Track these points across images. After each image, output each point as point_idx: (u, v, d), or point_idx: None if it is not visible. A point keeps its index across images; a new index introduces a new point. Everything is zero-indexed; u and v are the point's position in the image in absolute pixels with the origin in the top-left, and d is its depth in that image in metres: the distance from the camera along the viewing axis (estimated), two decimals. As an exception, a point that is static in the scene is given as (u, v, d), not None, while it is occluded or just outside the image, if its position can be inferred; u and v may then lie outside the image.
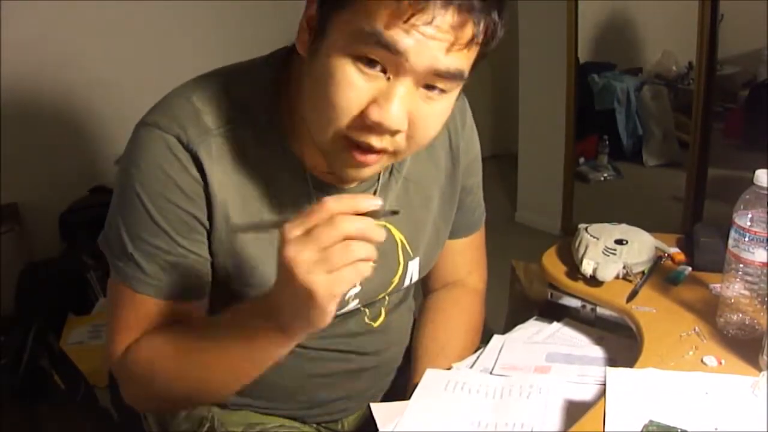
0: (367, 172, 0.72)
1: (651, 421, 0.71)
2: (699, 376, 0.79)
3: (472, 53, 0.66)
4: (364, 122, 0.65)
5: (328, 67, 0.64)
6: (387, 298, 0.95)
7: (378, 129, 0.65)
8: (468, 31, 0.63)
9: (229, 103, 0.76)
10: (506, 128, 3.88)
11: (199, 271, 0.77)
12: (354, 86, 0.64)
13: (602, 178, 3.73)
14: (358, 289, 0.87)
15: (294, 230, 0.60)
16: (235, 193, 0.76)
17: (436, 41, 0.62)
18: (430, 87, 0.66)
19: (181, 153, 0.73)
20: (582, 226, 1.12)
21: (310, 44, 0.68)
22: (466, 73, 0.67)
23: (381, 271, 0.88)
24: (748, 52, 3.55)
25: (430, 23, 0.61)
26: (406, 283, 0.93)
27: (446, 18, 0.61)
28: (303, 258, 0.59)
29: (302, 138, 0.77)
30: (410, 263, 0.92)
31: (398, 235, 0.89)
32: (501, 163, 3.87)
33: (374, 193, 0.85)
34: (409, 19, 0.60)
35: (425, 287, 1.07)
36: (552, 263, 1.11)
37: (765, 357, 0.80)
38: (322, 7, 0.66)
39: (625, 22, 3.77)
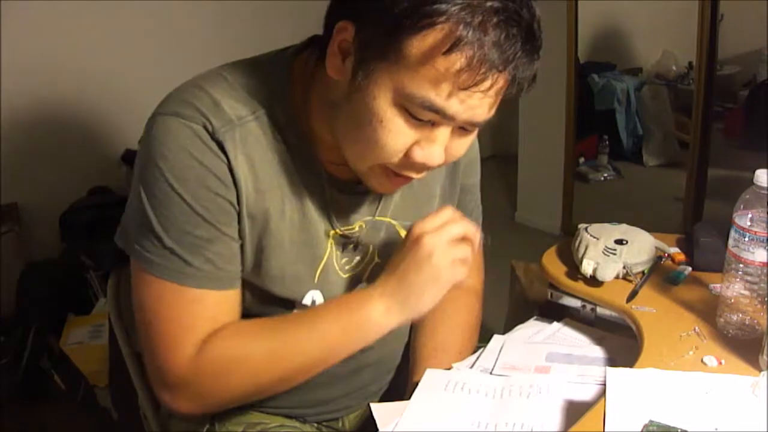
0: (397, 189, 0.79)
1: (651, 421, 0.71)
2: (699, 376, 0.79)
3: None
4: (407, 161, 0.70)
5: (375, 111, 0.67)
6: None
7: (420, 167, 0.72)
8: (511, 90, 0.67)
9: (246, 96, 0.76)
10: (506, 128, 3.88)
11: (239, 256, 0.78)
12: (402, 134, 0.68)
13: (602, 178, 3.73)
14: (364, 285, 0.88)
15: (428, 224, 0.76)
16: (258, 181, 0.76)
17: (482, 101, 0.66)
18: (465, 129, 0.72)
19: (209, 141, 0.72)
20: (582, 226, 1.12)
21: (351, 75, 0.68)
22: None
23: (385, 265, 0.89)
24: (748, 52, 3.55)
25: (481, 90, 0.64)
26: None
27: (497, 83, 0.65)
28: (439, 245, 0.75)
29: (317, 136, 0.79)
30: None
31: (403, 232, 0.90)
32: (501, 163, 3.87)
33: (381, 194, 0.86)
34: (463, 87, 0.63)
35: None
36: (552, 263, 1.11)
37: (765, 357, 0.80)
38: (364, 45, 0.66)
39: (625, 22, 3.77)
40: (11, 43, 2.24)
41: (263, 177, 0.76)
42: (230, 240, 0.75)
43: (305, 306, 0.84)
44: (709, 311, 0.93)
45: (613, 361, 0.93)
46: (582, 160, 3.70)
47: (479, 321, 1.04)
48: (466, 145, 0.75)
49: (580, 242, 1.08)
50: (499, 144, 4.13)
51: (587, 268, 1.02)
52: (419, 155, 0.69)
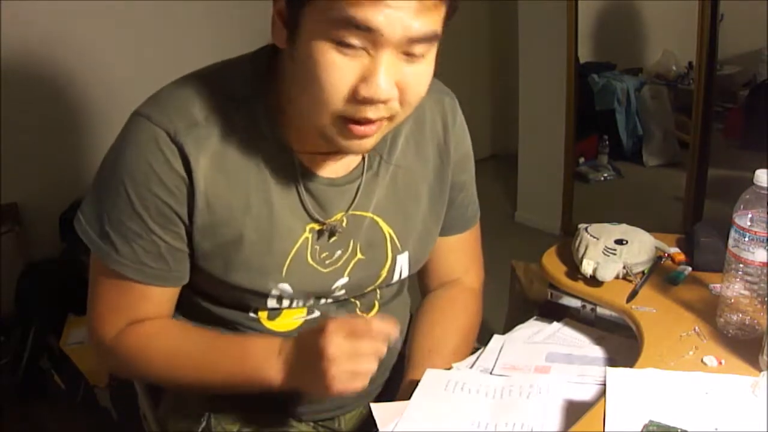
0: (369, 142, 0.76)
1: (651, 421, 0.71)
2: (699, 376, 0.79)
3: (440, 11, 0.69)
4: (356, 99, 0.69)
5: (311, 53, 0.68)
6: (378, 291, 0.96)
7: (370, 102, 0.69)
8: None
9: (218, 95, 0.79)
10: (506, 128, 3.88)
11: (170, 259, 0.82)
12: (339, 68, 0.67)
13: (602, 178, 3.72)
14: (345, 280, 0.89)
15: (339, 334, 0.74)
16: (222, 180, 0.79)
17: (403, 10, 0.65)
18: (409, 53, 0.69)
19: (167, 147, 0.76)
20: (582, 226, 1.12)
21: (288, 36, 0.71)
22: (440, 32, 0.70)
23: (369, 263, 0.90)
24: (748, 52, 3.55)
25: None
26: (396, 277, 0.94)
27: None
28: (341, 368, 0.73)
29: (290, 129, 0.81)
30: (399, 257, 0.92)
31: (387, 229, 0.90)
32: (501, 163, 3.87)
33: (359, 185, 0.87)
34: None
35: (422, 287, 1.07)
36: (552, 263, 1.11)
37: (765, 357, 0.80)
38: (291, 1, 0.69)
39: (625, 22, 3.77)
40: (11, 42, 2.24)
41: (229, 174, 0.79)
42: (159, 240, 0.80)
43: (275, 297, 0.86)
44: (709, 311, 0.93)
45: (613, 361, 0.93)
46: (582, 160, 3.70)
47: (478, 321, 1.04)
48: (421, 76, 0.72)
49: (580, 242, 1.08)
50: (499, 144, 4.13)
51: (587, 268, 1.02)
52: (364, 89, 0.68)
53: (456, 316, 1.00)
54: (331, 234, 0.86)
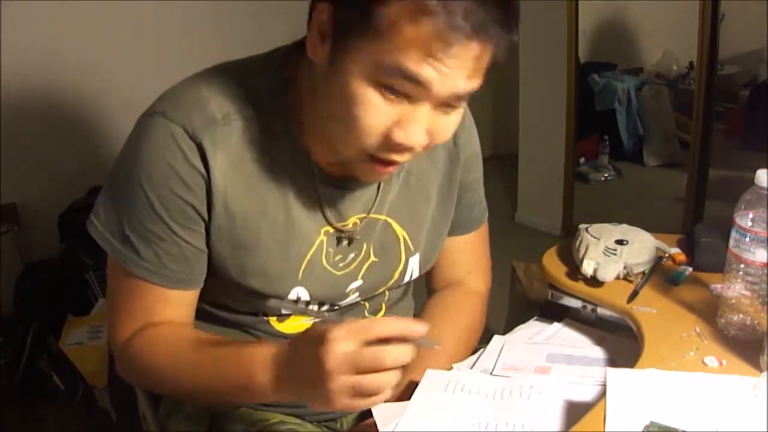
0: (385, 177, 0.76)
1: (652, 422, 0.71)
2: (700, 376, 0.79)
3: (486, 67, 0.68)
4: (388, 142, 0.69)
5: (352, 90, 0.66)
6: (387, 293, 0.96)
7: (401, 148, 0.69)
8: (487, 57, 0.66)
9: (236, 94, 0.77)
10: (506, 128, 3.87)
11: (192, 261, 0.80)
12: (379, 111, 0.67)
13: (603, 179, 3.72)
14: (359, 283, 0.88)
15: (339, 343, 0.63)
16: (239, 180, 0.77)
17: (457, 71, 0.65)
18: (448, 105, 0.69)
19: (185, 143, 0.74)
20: (582, 226, 1.12)
21: (328, 56, 0.69)
22: (479, 87, 0.70)
23: (382, 266, 0.89)
24: (749, 52, 3.55)
25: (455, 57, 0.63)
26: (407, 278, 0.94)
27: (469, 50, 0.64)
28: (340, 382, 0.63)
29: (309, 134, 0.79)
30: (411, 259, 0.92)
31: (400, 231, 0.90)
32: (501, 163, 3.86)
33: (377, 190, 0.86)
34: (434, 54, 0.63)
35: (428, 287, 1.07)
36: (552, 263, 1.11)
37: (766, 357, 0.80)
38: (339, 25, 0.67)
39: (625, 22, 3.77)
40: (12, 42, 2.24)
41: (246, 175, 0.78)
42: (182, 242, 0.78)
43: (291, 301, 0.85)
44: (709, 312, 0.93)
45: (613, 362, 0.93)
46: (582, 160, 3.70)
47: (481, 325, 1.03)
48: (452, 125, 0.73)
49: (580, 242, 1.08)
50: (499, 144, 4.13)
51: (588, 268, 1.02)
52: (400, 136, 0.67)
53: (458, 318, 0.99)
54: (349, 240, 0.86)
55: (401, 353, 0.63)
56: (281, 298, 0.84)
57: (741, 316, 0.87)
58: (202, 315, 0.90)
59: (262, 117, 0.78)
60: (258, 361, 0.73)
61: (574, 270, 1.06)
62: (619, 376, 0.79)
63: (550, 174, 3.26)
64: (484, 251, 1.07)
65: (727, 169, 2.99)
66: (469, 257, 1.05)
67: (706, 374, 0.80)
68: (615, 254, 1.03)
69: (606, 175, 3.74)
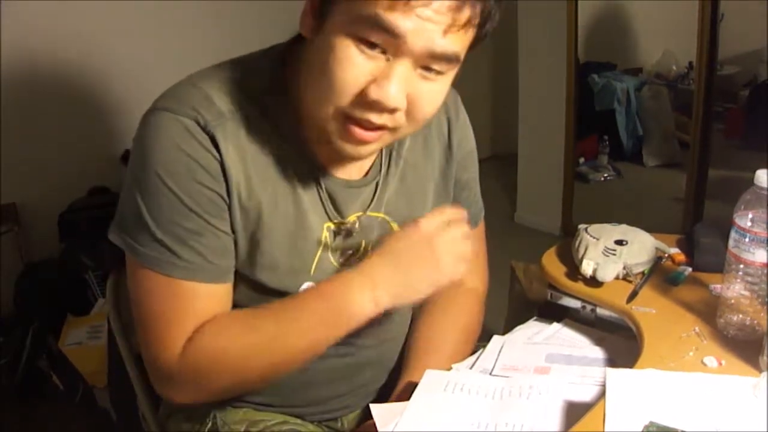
0: (367, 149, 0.74)
1: (651, 422, 0.71)
2: (699, 377, 0.79)
3: (468, 36, 0.68)
4: (363, 100, 0.68)
5: (330, 45, 0.67)
6: None
7: (377, 107, 0.68)
8: (465, 14, 0.66)
9: (238, 90, 0.77)
10: (506, 128, 3.87)
11: (230, 250, 0.78)
12: (354, 64, 0.67)
13: (602, 179, 3.72)
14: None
15: (432, 221, 0.77)
16: (251, 174, 0.77)
17: (433, 23, 0.64)
18: (427, 68, 0.69)
19: (200, 134, 0.73)
20: (582, 226, 1.12)
21: (314, 27, 0.70)
22: (462, 56, 0.70)
23: None
24: (749, 52, 3.54)
25: (428, 6, 0.63)
26: None
27: (444, 1, 0.64)
28: (442, 234, 0.77)
29: (309, 128, 0.79)
30: None
31: (396, 228, 0.90)
32: (501, 163, 3.86)
33: (376, 186, 0.87)
34: (408, 2, 0.63)
35: None
36: (552, 264, 1.11)
37: (765, 358, 0.80)
38: None
39: (625, 22, 3.77)
40: (11, 42, 2.24)
41: (256, 169, 0.77)
42: (220, 232, 0.76)
43: None
44: (709, 312, 0.93)
45: (613, 362, 0.93)
46: (582, 160, 3.70)
47: (479, 324, 1.03)
48: (434, 96, 0.72)
49: (580, 243, 1.08)
50: (499, 144, 4.13)
51: (587, 268, 1.02)
52: (374, 92, 0.67)
53: (456, 318, 0.99)
54: (348, 235, 0.86)
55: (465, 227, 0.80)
56: (291, 293, 0.82)
57: (740, 316, 0.87)
58: None
59: (263, 113, 0.78)
60: (346, 281, 0.76)
61: (574, 270, 1.06)
62: (618, 376, 0.79)
63: (550, 174, 3.26)
64: (482, 251, 1.06)
65: (727, 169, 2.99)
66: None
67: (705, 374, 0.80)
68: (614, 254, 1.03)
69: (606, 175, 3.74)
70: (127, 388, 1.06)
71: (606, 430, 0.71)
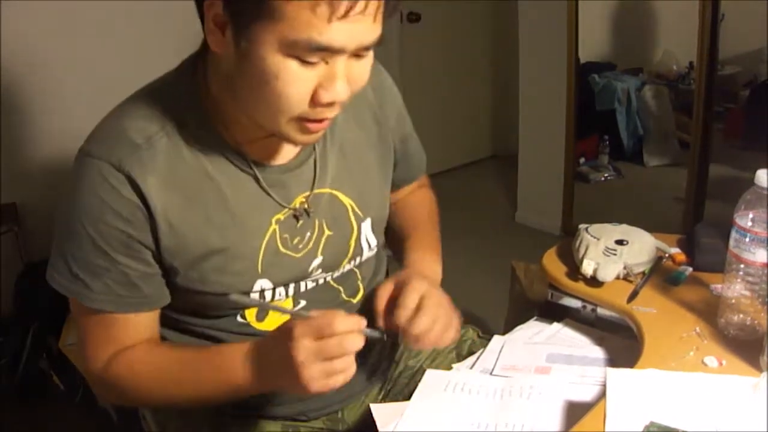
0: (319, 135, 0.78)
1: (652, 422, 0.71)
2: (700, 376, 0.79)
3: (387, 11, 0.71)
4: (316, 104, 0.72)
5: (268, 66, 0.68)
6: (356, 270, 0.97)
7: (330, 105, 0.72)
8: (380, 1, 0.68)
9: (155, 114, 0.80)
10: (506, 128, 3.87)
11: (142, 285, 0.82)
12: (302, 80, 0.69)
13: (603, 179, 3.72)
14: (320, 259, 0.90)
15: (305, 339, 0.71)
16: (176, 196, 0.79)
17: (359, 24, 0.67)
18: (358, 55, 0.72)
19: (114, 178, 0.77)
20: (582, 226, 1.12)
21: (234, 44, 0.70)
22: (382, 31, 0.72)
23: (337, 237, 0.91)
24: (749, 52, 3.54)
25: (354, 9, 0.65)
26: (364, 245, 0.95)
27: (368, 3, 0.66)
28: (313, 370, 0.71)
29: (236, 128, 0.81)
30: (363, 224, 0.94)
31: (346, 200, 0.92)
32: (501, 163, 3.86)
33: (314, 163, 0.89)
34: (332, 22, 0.65)
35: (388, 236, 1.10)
36: (552, 264, 1.11)
37: (766, 358, 0.80)
38: (235, 14, 0.68)
39: (625, 22, 3.77)
40: (11, 42, 2.24)
41: (182, 189, 0.80)
42: (127, 269, 0.80)
43: (257, 292, 0.86)
44: (710, 312, 0.93)
45: (613, 362, 0.93)
46: (582, 160, 3.69)
47: (434, 203, 1.12)
48: (366, 68, 0.75)
49: (580, 242, 1.08)
50: (499, 144, 4.12)
51: (588, 268, 1.02)
52: (326, 96, 0.70)
53: (421, 214, 1.09)
54: (299, 218, 0.87)
55: (358, 340, 0.72)
56: (246, 293, 0.86)
57: (741, 316, 0.87)
58: (180, 331, 0.92)
59: (184, 128, 0.80)
60: (236, 360, 0.78)
61: (574, 270, 1.06)
62: (619, 376, 0.79)
63: (550, 174, 3.26)
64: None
65: (727, 169, 2.99)
66: (419, 206, 1.11)
67: (706, 374, 0.80)
68: (615, 254, 1.03)
69: (606, 175, 3.73)
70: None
71: (606, 430, 0.71)
